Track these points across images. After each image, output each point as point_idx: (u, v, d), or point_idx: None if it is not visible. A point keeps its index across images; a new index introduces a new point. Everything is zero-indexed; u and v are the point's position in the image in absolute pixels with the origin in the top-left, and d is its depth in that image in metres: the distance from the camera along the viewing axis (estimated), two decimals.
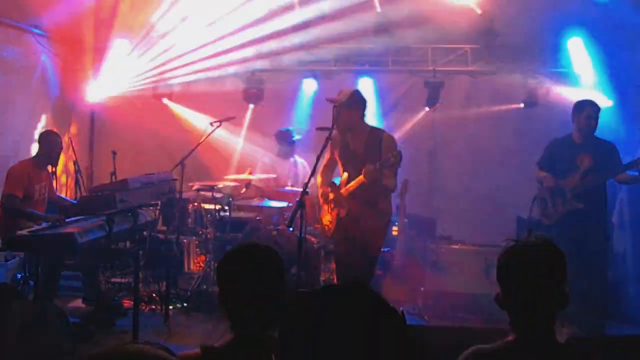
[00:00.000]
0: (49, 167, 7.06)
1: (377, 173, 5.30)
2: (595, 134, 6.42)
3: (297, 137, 8.17)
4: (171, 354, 1.62)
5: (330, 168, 6.08)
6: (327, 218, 5.94)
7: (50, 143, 6.85)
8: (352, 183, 5.56)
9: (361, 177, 5.38)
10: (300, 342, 1.52)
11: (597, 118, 6.38)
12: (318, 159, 5.14)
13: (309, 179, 5.16)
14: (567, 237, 6.27)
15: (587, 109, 6.39)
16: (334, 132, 5.53)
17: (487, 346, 2.36)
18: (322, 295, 1.61)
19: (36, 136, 7.14)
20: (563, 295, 2.34)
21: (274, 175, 7.99)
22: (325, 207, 5.97)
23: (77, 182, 8.24)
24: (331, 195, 5.87)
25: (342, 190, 5.71)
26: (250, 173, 7.88)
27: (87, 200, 6.68)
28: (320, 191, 6.04)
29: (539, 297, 2.32)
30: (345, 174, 5.74)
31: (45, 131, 7.03)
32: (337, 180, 5.98)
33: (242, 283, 2.45)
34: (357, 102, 5.65)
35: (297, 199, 4.98)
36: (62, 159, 7.49)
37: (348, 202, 5.68)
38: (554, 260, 2.38)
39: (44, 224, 6.15)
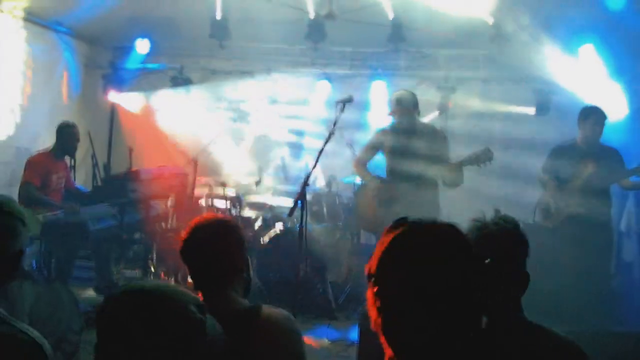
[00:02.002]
0: (67, 158, 7.29)
1: (458, 172, 5.89)
2: (600, 140, 6.47)
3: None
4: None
5: (368, 158, 6.43)
6: (372, 208, 6.18)
7: (67, 135, 7.07)
8: (415, 177, 5.93)
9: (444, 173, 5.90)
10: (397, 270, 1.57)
11: (602, 125, 6.40)
12: (320, 152, 5.26)
13: (311, 172, 5.32)
14: (569, 241, 6.30)
15: (593, 115, 6.41)
16: (384, 128, 6.34)
17: None
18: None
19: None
20: (526, 276, 2.44)
21: (284, 175, 8.13)
22: (370, 197, 6.22)
23: (94, 176, 8.43)
24: (382, 187, 6.16)
25: (399, 185, 6.01)
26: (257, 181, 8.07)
27: (100, 189, 6.87)
28: (367, 182, 6.37)
29: (506, 278, 2.39)
30: (397, 169, 6.07)
31: (62, 123, 7.22)
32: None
33: (199, 251, 2.67)
34: (416, 104, 6.13)
35: (298, 194, 5.14)
36: (80, 152, 7.68)
37: (408, 194, 5.94)
38: (518, 240, 2.46)
39: (59, 212, 6.37)
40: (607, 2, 7.26)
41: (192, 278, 2.69)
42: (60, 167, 7.12)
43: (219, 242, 2.66)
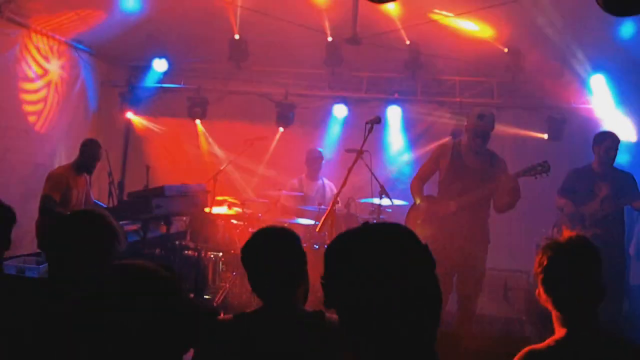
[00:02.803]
0: (85, 174, 7.33)
1: (514, 182, 5.71)
2: (614, 164, 6.61)
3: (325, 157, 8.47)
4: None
5: (426, 178, 6.28)
6: (419, 229, 5.93)
7: (90, 151, 7.11)
8: (473, 194, 5.84)
9: (490, 187, 5.78)
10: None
11: (616, 149, 6.57)
12: (349, 171, 5.35)
13: (340, 190, 5.40)
14: None
15: (607, 140, 6.58)
16: (444, 142, 6.20)
17: (540, 345, 2.51)
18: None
19: (74, 146, 7.37)
20: (602, 288, 2.55)
21: (302, 193, 8.17)
22: (417, 216, 6.10)
23: (109, 193, 8.47)
24: (432, 208, 6.02)
25: (455, 201, 5.90)
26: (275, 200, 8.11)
27: (125, 204, 6.88)
28: (416, 200, 6.17)
29: (583, 292, 2.52)
30: (452, 187, 5.98)
31: (88, 140, 7.29)
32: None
33: (263, 256, 2.71)
34: (493, 128, 6.03)
35: (328, 209, 5.21)
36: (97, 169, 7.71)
37: (460, 212, 5.87)
38: (592, 256, 2.58)
39: None
40: (619, 31, 7.42)
41: (253, 285, 2.72)
42: (80, 182, 7.16)
43: (284, 249, 2.72)
